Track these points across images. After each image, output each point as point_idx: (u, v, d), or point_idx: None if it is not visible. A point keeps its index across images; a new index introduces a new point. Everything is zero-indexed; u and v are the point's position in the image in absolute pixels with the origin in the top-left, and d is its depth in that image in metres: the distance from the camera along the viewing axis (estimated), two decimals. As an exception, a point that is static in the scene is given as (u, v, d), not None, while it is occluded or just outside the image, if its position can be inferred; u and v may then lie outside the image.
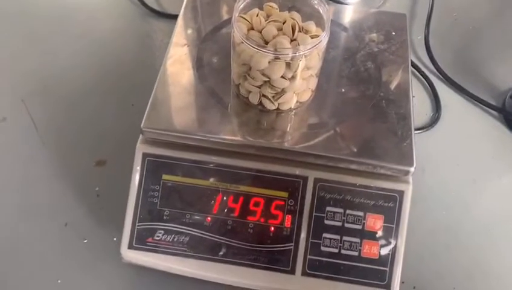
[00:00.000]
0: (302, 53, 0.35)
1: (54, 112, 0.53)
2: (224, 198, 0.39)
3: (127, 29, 0.62)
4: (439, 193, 0.48)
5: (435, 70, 0.58)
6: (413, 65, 0.58)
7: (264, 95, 0.39)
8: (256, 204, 0.39)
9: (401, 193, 0.38)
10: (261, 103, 0.40)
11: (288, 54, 0.35)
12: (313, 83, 0.40)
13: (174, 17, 0.60)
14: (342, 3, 0.59)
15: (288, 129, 0.40)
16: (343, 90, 0.42)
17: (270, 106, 0.39)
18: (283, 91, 0.38)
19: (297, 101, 0.40)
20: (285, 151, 0.38)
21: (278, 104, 0.39)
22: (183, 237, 0.39)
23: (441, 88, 0.57)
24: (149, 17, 0.63)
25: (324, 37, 0.36)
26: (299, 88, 0.39)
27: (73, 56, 0.58)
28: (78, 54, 0.58)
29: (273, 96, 0.39)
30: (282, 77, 0.37)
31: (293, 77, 0.37)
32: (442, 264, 0.44)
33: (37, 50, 0.59)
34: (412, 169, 0.37)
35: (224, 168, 0.39)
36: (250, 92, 0.39)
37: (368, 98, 0.41)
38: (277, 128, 0.39)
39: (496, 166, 0.51)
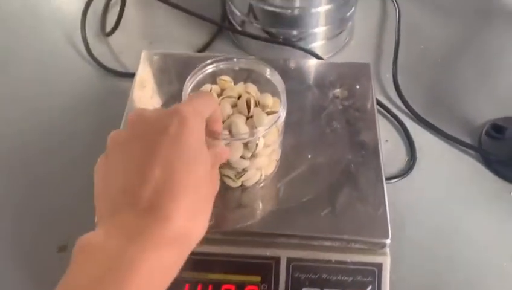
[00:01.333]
0: (259, 135, 0.33)
1: (13, 193, 0.49)
2: (193, 288, 0.36)
3: (86, 92, 0.59)
4: (423, 246, 0.45)
5: (406, 110, 0.57)
6: (384, 107, 0.56)
7: (224, 175, 0.36)
8: (228, 292, 0.36)
9: (379, 266, 0.36)
10: (224, 182, 0.37)
11: (245, 138, 0.33)
12: (276, 154, 0.38)
13: (131, 75, 0.57)
14: (303, 49, 0.57)
15: (255, 207, 0.37)
16: (309, 156, 0.40)
17: (233, 184, 0.37)
18: (244, 170, 0.36)
19: (261, 175, 0.38)
20: (255, 233, 0.36)
21: (241, 182, 0.37)
22: (151, 335, 0.36)
23: (414, 129, 0.55)
24: (109, 77, 0.60)
25: (281, 113, 0.34)
26: (262, 164, 0.36)
27: (28, 126, 0.55)
28: (34, 123, 0.55)
29: (235, 175, 0.36)
30: (241, 157, 0.35)
31: (253, 156, 0.35)
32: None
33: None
34: (387, 241, 0.35)
35: (191, 255, 0.36)
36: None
37: (336, 162, 0.39)
38: (243, 206, 0.37)
39: (478, 208, 0.49)
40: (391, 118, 0.56)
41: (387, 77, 0.60)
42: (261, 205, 0.37)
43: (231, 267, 0.36)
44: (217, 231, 0.36)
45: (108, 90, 0.59)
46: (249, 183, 0.37)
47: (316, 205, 0.37)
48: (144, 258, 0.26)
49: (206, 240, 0.36)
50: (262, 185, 0.38)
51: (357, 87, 0.45)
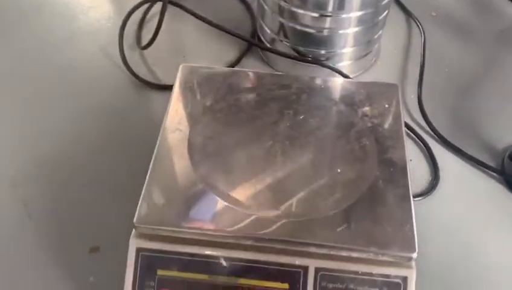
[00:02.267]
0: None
1: (46, 198, 0.52)
2: (223, 292, 0.37)
3: (120, 102, 0.62)
4: (444, 263, 0.46)
5: (430, 131, 0.58)
6: (408, 127, 0.57)
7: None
8: (256, 297, 0.37)
9: (405, 279, 0.37)
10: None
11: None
12: None
13: (168, 88, 0.60)
14: (332, 68, 0.59)
15: (286, 217, 0.39)
16: (339, 170, 0.41)
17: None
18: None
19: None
20: (285, 241, 0.37)
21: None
22: (181, 336, 0.37)
23: (438, 150, 0.56)
24: (143, 89, 0.63)
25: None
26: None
27: (65, 135, 0.57)
28: (69, 132, 0.58)
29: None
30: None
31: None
32: None
33: (27, 131, 0.58)
34: (414, 255, 0.36)
35: (220, 260, 0.38)
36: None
37: (365, 179, 0.40)
38: (274, 216, 0.38)
39: (500, 230, 0.50)
40: (415, 137, 0.57)
41: (412, 98, 0.62)
42: (291, 215, 0.39)
43: (260, 274, 0.37)
44: (248, 237, 0.37)
45: (143, 100, 0.62)
46: None
47: (345, 218, 0.38)
48: None
49: (237, 246, 0.38)
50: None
51: (386, 106, 0.46)
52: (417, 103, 0.60)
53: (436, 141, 0.57)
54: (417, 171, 0.54)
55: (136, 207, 0.38)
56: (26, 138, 0.57)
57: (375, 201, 0.39)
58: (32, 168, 0.54)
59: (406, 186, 0.40)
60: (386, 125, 0.45)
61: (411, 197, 0.39)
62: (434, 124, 0.58)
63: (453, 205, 0.51)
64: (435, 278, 0.45)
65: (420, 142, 0.57)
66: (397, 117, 0.45)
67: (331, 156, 0.42)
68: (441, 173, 0.54)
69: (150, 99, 0.62)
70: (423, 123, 0.59)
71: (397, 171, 0.41)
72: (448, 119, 0.59)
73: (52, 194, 0.52)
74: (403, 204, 0.39)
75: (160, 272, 0.38)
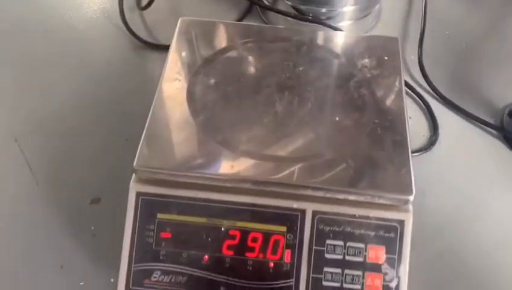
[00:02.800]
0: None
1: (47, 150, 0.52)
2: (221, 235, 0.38)
3: (120, 62, 0.62)
4: (441, 217, 0.47)
5: (430, 90, 0.58)
6: (408, 86, 0.57)
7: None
8: (254, 240, 0.38)
9: (402, 223, 0.37)
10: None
11: None
12: None
13: (166, 48, 0.60)
14: (332, 27, 0.59)
15: (283, 161, 0.39)
16: (337, 118, 0.41)
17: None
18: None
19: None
20: (283, 184, 0.37)
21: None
22: (180, 277, 0.38)
23: (437, 108, 0.56)
24: (142, 49, 0.63)
25: None
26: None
27: (66, 91, 0.58)
28: (70, 89, 0.58)
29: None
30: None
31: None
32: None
33: (28, 86, 0.59)
34: (411, 197, 0.37)
35: (219, 204, 0.38)
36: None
37: (363, 125, 0.41)
38: (271, 160, 0.39)
39: (498, 186, 0.50)
40: (415, 96, 0.57)
41: (413, 59, 0.61)
42: (289, 160, 0.39)
43: (259, 217, 0.38)
44: (246, 181, 0.37)
45: (143, 60, 0.62)
46: None
47: (343, 162, 0.38)
48: None
49: (236, 190, 0.38)
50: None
51: (385, 58, 0.46)
52: (417, 63, 0.60)
53: (436, 99, 0.57)
54: (416, 129, 0.54)
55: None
56: (27, 93, 0.58)
57: (373, 147, 0.39)
58: (33, 122, 0.54)
59: (404, 133, 0.40)
60: (385, 76, 0.45)
61: (408, 143, 0.39)
62: (434, 83, 0.58)
63: (452, 161, 0.52)
64: (431, 228, 0.46)
65: (420, 101, 0.57)
66: (397, 68, 0.45)
67: (330, 104, 0.42)
68: (440, 131, 0.54)
69: (149, 59, 0.62)
70: (423, 83, 0.59)
71: (396, 119, 0.41)
72: (448, 79, 0.59)
73: (53, 147, 0.52)
74: (400, 149, 0.39)
75: (160, 216, 0.38)
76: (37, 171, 0.50)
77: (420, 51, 0.61)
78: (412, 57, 0.62)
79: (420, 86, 0.59)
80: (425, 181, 0.49)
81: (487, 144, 0.53)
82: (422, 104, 0.56)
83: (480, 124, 0.54)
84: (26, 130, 0.54)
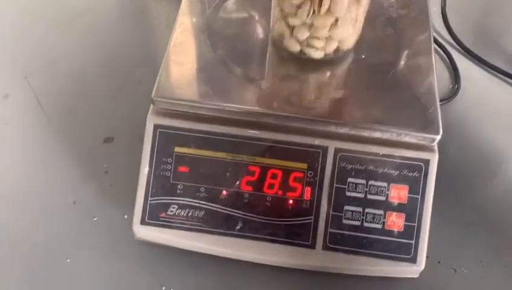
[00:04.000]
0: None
1: (59, 90, 0.51)
2: (240, 170, 0.37)
3: (132, 5, 0.60)
4: (463, 165, 0.46)
5: (452, 41, 0.56)
6: (431, 37, 0.56)
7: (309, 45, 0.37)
8: (274, 176, 0.37)
9: (427, 162, 0.36)
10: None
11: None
12: (360, 25, 0.38)
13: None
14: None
15: (306, 96, 0.38)
16: (363, 56, 0.40)
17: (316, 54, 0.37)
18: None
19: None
20: (304, 120, 0.36)
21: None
22: (197, 212, 0.37)
23: (460, 59, 0.54)
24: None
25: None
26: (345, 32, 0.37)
27: (78, 33, 0.56)
28: (82, 30, 0.57)
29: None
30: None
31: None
32: (467, 237, 0.42)
33: (40, 27, 0.57)
34: (438, 137, 0.36)
35: (239, 139, 0.37)
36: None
37: (390, 64, 0.39)
38: (296, 92, 0.38)
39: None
40: (437, 48, 0.55)
41: (435, 10, 0.59)
42: (312, 95, 0.38)
43: (279, 153, 0.37)
44: (268, 116, 0.36)
45: (157, 2, 0.60)
46: (328, 49, 0.37)
47: (368, 100, 0.37)
48: None
49: (256, 125, 0.37)
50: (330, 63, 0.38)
51: (412, -1, 0.44)
52: (440, 15, 0.58)
53: (459, 51, 0.55)
54: (439, 79, 0.52)
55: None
56: (38, 32, 0.56)
57: (399, 86, 0.38)
58: (45, 61, 0.53)
59: (431, 73, 0.39)
60: (413, 16, 0.43)
61: (435, 82, 0.38)
62: (457, 35, 0.56)
63: (473, 112, 0.50)
64: (453, 177, 0.45)
65: (442, 52, 0.55)
66: (423, 9, 0.43)
67: (356, 44, 0.41)
68: (463, 82, 0.52)
69: (162, 2, 0.60)
70: (446, 34, 0.57)
71: (423, 59, 0.40)
72: (471, 30, 0.58)
73: (64, 87, 0.51)
74: (427, 89, 0.38)
75: (177, 149, 0.37)
76: (49, 111, 0.49)
77: (444, 1, 0.59)
78: (434, 9, 0.60)
79: (442, 37, 0.57)
80: (447, 132, 0.47)
81: (508, 94, 0.52)
82: (444, 55, 0.55)
83: (503, 76, 0.53)
84: (38, 69, 0.52)
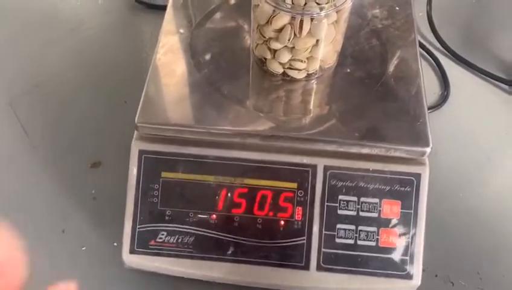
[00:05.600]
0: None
1: (43, 114, 0.50)
2: (229, 193, 0.36)
3: (115, 24, 0.59)
4: (455, 174, 0.45)
5: (440, 46, 0.56)
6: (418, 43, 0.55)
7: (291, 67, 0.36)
8: (264, 197, 0.36)
9: (418, 176, 0.36)
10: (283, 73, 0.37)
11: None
12: (339, 44, 0.37)
13: (163, 8, 0.57)
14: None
15: (292, 115, 0.37)
16: (348, 70, 0.39)
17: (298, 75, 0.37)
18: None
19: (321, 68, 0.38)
20: (292, 138, 0.36)
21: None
22: (187, 237, 0.36)
23: (448, 65, 0.54)
24: (137, 10, 0.60)
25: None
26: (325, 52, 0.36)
27: (62, 54, 0.55)
28: (66, 51, 0.56)
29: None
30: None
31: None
32: (463, 248, 0.41)
33: (22, 49, 0.56)
34: (428, 149, 0.35)
35: (227, 161, 0.36)
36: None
37: (376, 77, 0.39)
38: (280, 114, 0.37)
39: (510, 140, 0.48)
40: (424, 53, 0.55)
41: (421, 16, 0.59)
42: (298, 112, 0.37)
43: (268, 174, 0.36)
44: (253, 135, 0.35)
45: (140, 20, 0.59)
46: (311, 69, 0.37)
47: (354, 115, 0.36)
48: None
49: (243, 146, 0.36)
50: (304, 87, 0.38)
51: (397, 8, 0.44)
52: (427, 20, 0.58)
53: (446, 56, 0.55)
54: (427, 86, 0.50)
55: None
56: (22, 56, 0.55)
57: (386, 98, 0.37)
58: (28, 85, 0.52)
59: (419, 83, 0.38)
60: (397, 26, 0.42)
61: (424, 93, 0.38)
62: (444, 39, 0.56)
63: (464, 119, 0.50)
64: (445, 186, 0.44)
65: (429, 58, 0.55)
66: (408, 17, 0.43)
67: (341, 56, 0.40)
68: (452, 87, 0.52)
69: (146, 20, 0.59)
70: (433, 39, 0.56)
71: (409, 69, 0.39)
72: (458, 35, 0.57)
73: (49, 111, 0.50)
74: (415, 100, 0.37)
75: (164, 175, 0.37)
76: (34, 136, 0.48)
77: (429, 6, 0.59)
78: (420, 14, 0.59)
79: (429, 42, 0.56)
80: (438, 139, 0.47)
81: (498, 98, 0.51)
82: (432, 61, 0.54)
83: (492, 80, 0.52)
84: (22, 93, 0.51)
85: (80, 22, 0.59)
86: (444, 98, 0.51)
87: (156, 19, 0.58)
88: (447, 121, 0.50)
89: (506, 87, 0.52)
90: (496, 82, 0.52)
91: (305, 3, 0.33)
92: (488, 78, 0.52)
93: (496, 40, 0.57)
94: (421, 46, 0.55)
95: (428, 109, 0.49)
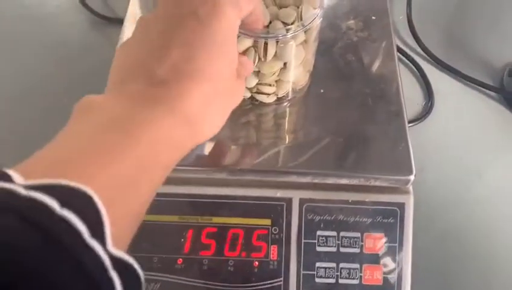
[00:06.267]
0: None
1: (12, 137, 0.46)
2: (196, 233, 0.33)
3: (78, 40, 0.56)
4: (443, 193, 0.42)
5: (422, 52, 0.52)
6: (398, 49, 0.52)
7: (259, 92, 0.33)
8: (235, 237, 0.33)
9: (402, 206, 0.33)
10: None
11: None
12: (310, 64, 0.35)
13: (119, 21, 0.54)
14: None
15: (262, 145, 0.34)
16: (322, 90, 0.36)
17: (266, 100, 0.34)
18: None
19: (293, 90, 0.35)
20: (263, 171, 0.32)
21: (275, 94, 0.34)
22: (153, 285, 0.33)
23: (431, 72, 0.51)
24: (100, 24, 0.56)
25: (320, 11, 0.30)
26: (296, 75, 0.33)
27: (24, 74, 0.51)
28: (28, 71, 0.52)
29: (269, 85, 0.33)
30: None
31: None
32: (454, 276, 0.38)
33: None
34: (411, 177, 0.32)
35: (193, 198, 0.33)
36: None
37: (352, 97, 0.36)
38: (251, 142, 0.34)
39: (501, 152, 0.45)
40: (406, 60, 0.52)
41: (401, 19, 0.56)
42: (268, 142, 0.34)
43: (238, 211, 0.33)
44: (221, 170, 0.32)
45: (102, 35, 0.55)
46: (281, 92, 0.34)
47: (331, 142, 0.33)
48: (151, 122, 0.22)
49: (210, 181, 0.33)
50: (274, 114, 0.35)
51: (373, 18, 0.41)
52: (407, 23, 0.55)
53: (429, 62, 0.52)
54: (409, 97, 0.49)
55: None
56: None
57: (364, 121, 0.34)
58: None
59: (398, 103, 0.35)
60: (375, 38, 0.39)
61: (405, 114, 0.35)
62: (426, 44, 0.53)
63: (450, 129, 0.47)
64: (432, 206, 0.41)
65: (412, 65, 0.51)
66: (386, 29, 0.40)
67: (312, 76, 0.37)
68: (436, 97, 0.49)
69: (108, 34, 0.55)
70: (414, 45, 0.53)
71: (388, 87, 0.36)
72: (440, 40, 0.54)
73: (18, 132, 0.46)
74: (396, 121, 0.34)
75: (124, 216, 0.33)
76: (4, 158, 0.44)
77: (409, 9, 0.55)
78: (400, 17, 0.56)
79: (411, 48, 0.53)
80: (423, 153, 0.44)
81: (487, 107, 0.49)
82: (414, 68, 0.51)
83: (478, 87, 0.49)
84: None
85: (40, 39, 0.55)
86: (427, 109, 0.48)
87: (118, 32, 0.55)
88: (433, 134, 0.47)
89: (493, 94, 0.49)
90: (484, 89, 0.49)
91: (270, 23, 0.30)
92: (475, 86, 0.50)
93: (481, 43, 0.54)
94: (402, 53, 0.52)
95: (412, 121, 0.47)
